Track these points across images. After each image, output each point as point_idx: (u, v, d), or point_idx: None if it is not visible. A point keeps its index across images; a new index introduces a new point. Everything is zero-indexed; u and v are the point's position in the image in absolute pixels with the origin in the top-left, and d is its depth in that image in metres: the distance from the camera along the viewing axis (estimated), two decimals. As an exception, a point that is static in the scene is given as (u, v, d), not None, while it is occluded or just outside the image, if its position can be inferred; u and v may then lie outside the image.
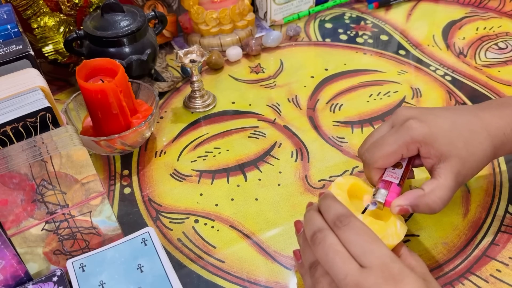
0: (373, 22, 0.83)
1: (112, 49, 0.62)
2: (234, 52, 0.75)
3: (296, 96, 0.69)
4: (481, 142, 0.45)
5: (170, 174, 0.58)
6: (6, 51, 0.46)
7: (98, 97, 0.54)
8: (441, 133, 0.44)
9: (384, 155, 0.45)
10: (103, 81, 0.56)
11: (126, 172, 0.59)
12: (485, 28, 0.80)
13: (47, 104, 0.42)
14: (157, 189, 0.57)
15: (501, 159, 0.57)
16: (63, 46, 0.66)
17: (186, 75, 0.73)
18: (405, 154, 0.45)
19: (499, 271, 0.47)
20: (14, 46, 0.47)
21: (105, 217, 0.46)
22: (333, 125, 0.64)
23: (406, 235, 0.50)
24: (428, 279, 0.37)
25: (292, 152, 0.60)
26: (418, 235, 0.50)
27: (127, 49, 0.63)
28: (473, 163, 0.44)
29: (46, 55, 0.68)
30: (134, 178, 0.58)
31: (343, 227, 0.37)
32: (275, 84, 0.71)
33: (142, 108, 0.61)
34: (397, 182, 0.45)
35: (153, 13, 0.66)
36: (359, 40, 0.79)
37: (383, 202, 0.44)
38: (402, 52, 0.76)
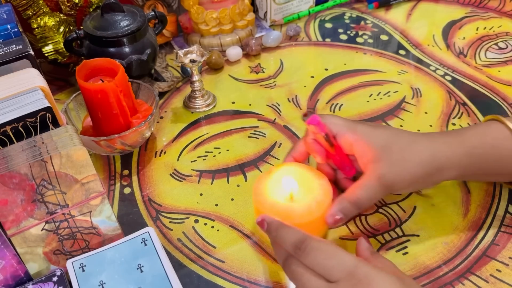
0: (373, 22, 0.83)
1: (112, 49, 0.62)
2: (234, 52, 0.75)
3: (296, 96, 0.69)
4: (420, 152, 0.45)
5: (170, 174, 0.58)
6: (6, 51, 0.46)
7: (98, 97, 0.54)
8: (380, 135, 0.46)
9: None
10: (103, 81, 0.56)
11: (126, 172, 0.59)
12: (485, 28, 0.80)
13: (47, 104, 0.42)
14: (157, 189, 0.57)
15: (501, 159, 0.57)
16: (63, 46, 0.66)
17: (186, 75, 0.73)
18: (341, 139, 0.48)
19: (499, 271, 0.47)
20: (14, 46, 0.47)
21: (105, 217, 0.46)
22: (333, 125, 0.64)
23: (406, 235, 0.50)
24: (400, 276, 0.37)
25: (292, 152, 0.60)
26: (418, 235, 0.50)
27: (127, 49, 0.63)
28: (404, 170, 0.45)
29: (46, 55, 0.68)
30: (134, 178, 0.58)
31: (302, 254, 0.38)
32: (275, 84, 0.71)
33: (142, 108, 0.61)
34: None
35: (153, 13, 0.66)
36: (359, 40, 0.79)
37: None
38: (402, 52, 0.76)
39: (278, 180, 0.48)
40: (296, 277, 0.38)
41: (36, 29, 0.66)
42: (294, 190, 0.47)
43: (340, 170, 0.50)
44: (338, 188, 0.51)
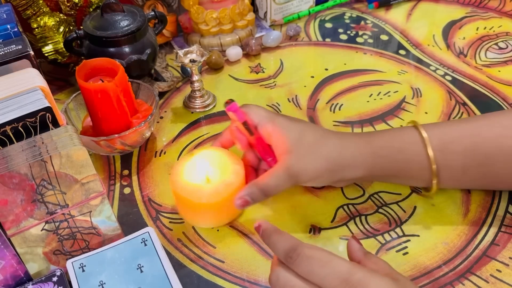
0: (373, 22, 0.83)
1: (112, 49, 0.62)
2: (234, 52, 0.75)
3: (296, 96, 0.69)
4: (328, 148, 0.48)
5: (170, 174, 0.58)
6: (6, 51, 0.46)
7: (98, 97, 0.54)
8: (294, 128, 0.48)
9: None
10: (103, 81, 0.56)
11: (126, 172, 0.59)
12: (485, 28, 0.80)
13: (47, 104, 0.42)
14: (157, 189, 0.57)
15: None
16: (63, 46, 0.66)
17: (186, 75, 0.73)
18: (261, 129, 0.50)
19: (499, 271, 0.47)
20: (14, 46, 0.47)
21: (105, 217, 0.46)
22: (333, 125, 0.64)
23: (406, 235, 0.50)
24: (396, 277, 0.36)
25: (292, 152, 0.60)
26: (418, 235, 0.50)
27: (127, 49, 0.63)
28: (310, 164, 0.47)
29: (46, 55, 0.68)
30: (134, 178, 0.58)
31: (294, 262, 0.37)
32: (275, 84, 0.71)
33: (142, 108, 0.61)
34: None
35: (153, 13, 0.66)
36: (359, 40, 0.79)
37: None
38: (402, 52, 0.76)
39: (195, 163, 0.51)
40: None
41: (36, 29, 0.66)
42: (208, 173, 0.50)
43: (263, 160, 0.52)
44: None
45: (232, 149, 0.53)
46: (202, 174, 0.50)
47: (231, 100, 0.49)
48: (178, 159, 0.60)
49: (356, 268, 0.35)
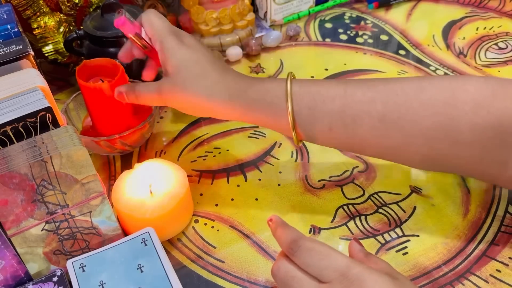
0: (373, 22, 0.83)
1: (112, 49, 0.62)
2: (234, 52, 0.75)
3: (296, 96, 0.69)
4: (202, 87, 0.48)
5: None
6: (6, 51, 0.46)
7: (98, 97, 0.54)
8: (179, 56, 0.49)
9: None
10: (103, 81, 0.56)
11: (126, 172, 0.59)
12: (485, 28, 0.80)
13: (47, 104, 0.42)
14: (157, 189, 0.57)
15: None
16: (63, 46, 0.66)
17: (186, 75, 0.73)
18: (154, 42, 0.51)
19: (499, 271, 0.47)
20: (14, 46, 0.47)
21: (105, 217, 0.46)
22: (333, 125, 0.64)
23: (406, 235, 0.50)
24: (395, 276, 0.36)
25: (292, 152, 0.60)
26: (418, 235, 0.50)
27: (127, 49, 0.62)
28: (181, 94, 0.49)
29: (46, 55, 0.68)
30: (134, 178, 0.58)
31: (295, 254, 0.38)
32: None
33: (142, 108, 0.61)
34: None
35: (153, 13, 0.66)
36: (359, 40, 0.79)
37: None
38: (402, 52, 0.76)
39: (138, 176, 0.51)
40: (285, 282, 0.38)
41: (36, 29, 0.66)
42: (152, 186, 0.50)
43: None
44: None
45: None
46: (145, 188, 0.50)
47: (121, 11, 0.49)
48: (178, 160, 0.60)
49: (355, 263, 0.36)
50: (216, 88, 0.48)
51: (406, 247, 0.49)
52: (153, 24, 0.50)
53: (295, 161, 0.59)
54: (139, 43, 0.51)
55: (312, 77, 0.72)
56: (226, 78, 0.49)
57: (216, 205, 0.55)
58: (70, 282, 0.43)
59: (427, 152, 0.44)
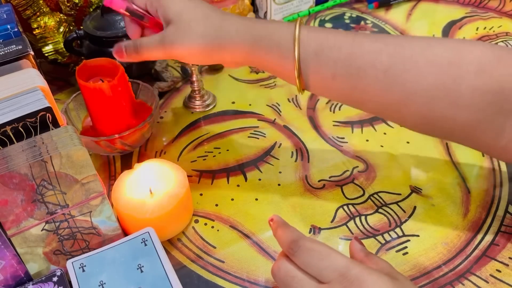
0: (373, 22, 0.83)
1: (112, 49, 0.62)
2: (234, 52, 0.75)
3: (296, 96, 0.69)
4: (206, 26, 0.47)
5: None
6: (6, 51, 0.46)
7: (98, 97, 0.54)
8: (178, 3, 0.48)
9: None
10: (103, 81, 0.56)
11: (126, 172, 0.59)
12: (485, 28, 0.80)
13: (47, 104, 0.42)
14: (157, 189, 0.57)
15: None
16: (63, 46, 0.66)
17: (186, 75, 0.73)
18: (149, 9, 0.50)
19: (499, 271, 0.47)
20: (14, 46, 0.47)
21: (105, 217, 0.46)
22: (333, 125, 0.64)
23: (406, 235, 0.50)
24: (395, 277, 0.36)
25: (292, 152, 0.60)
26: (418, 235, 0.50)
27: (127, 49, 0.62)
28: (185, 38, 0.47)
29: (46, 55, 0.68)
30: (134, 178, 0.58)
31: (295, 254, 0.38)
32: (275, 84, 0.71)
33: (142, 108, 0.61)
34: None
35: (153, 13, 0.66)
36: (359, 40, 0.79)
37: None
38: (402, 52, 0.76)
39: (137, 177, 0.50)
40: (285, 281, 0.38)
41: (36, 29, 0.66)
42: (152, 186, 0.50)
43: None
44: None
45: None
46: (145, 188, 0.50)
47: None
48: (178, 160, 0.60)
49: (354, 264, 0.36)
50: (223, 25, 0.48)
51: (406, 247, 0.49)
52: None
53: (295, 161, 0.59)
54: (134, 15, 0.51)
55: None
56: (230, 17, 0.49)
57: (216, 205, 0.55)
58: (70, 282, 0.43)
59: (426, 113, 0.44)
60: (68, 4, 0.68)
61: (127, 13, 0.50)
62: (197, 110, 0.67)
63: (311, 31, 0.46)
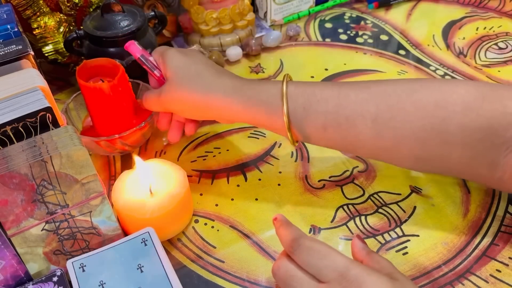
0: (373, 22, 0.83)
1: (112, 49, 0.62)
2: (234, 52, 0.75)
3: (296, 96, 0.68)
4: (198, 86, 0.50)
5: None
6: (6, 51, 0.46)
7: (98, 97, 0.54)
8: (177, 61, 0.52)
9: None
10: (103, 81, 0.56)
11: (126, 172, 0.59)
12: (485, 28, 0.80)
13: (47, 104, 0.42)
14: (157, 189, 0.57)
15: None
16: (63, 46, 0.66)
17: (186, 75, 0.73)
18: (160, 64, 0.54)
19: (499, 271, 0.47)
20: (14, 46, 0.47)
21: (105, 217, 0.46)
22: (333, 125, 0.64)
23: (406, 235, 0.50)
24: (395, 277, 0.36)
25: (292, 152, 0.60)
26: (418, 235, 0.50)
27: (127, 49, 0.63)
28: (178, 95, 0.51)
29: (46, 55, 0.68)
30: (134, 178, 0.58)
31: (295, 252, 0.38)
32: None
33: (143, 108, 0.60)
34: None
35: (153, 13, 0.66)
36: (359, 40, 0.79)
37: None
38: (402, 52, 0.76)
39: (137, 177, 0.51)
40: (285, 280, 0.38)
41: (36, 29, 0.66)
42: (152, 186, 0.50)
43: None
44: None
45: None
46: (145, 188, 0.50)
47: (130, 38, 0.54)
48: (178, 160, 0.60)
49: (354, 264, 0.36)
50: (212, 85, 0.50)
51: (406, 247, 0.49)
52: (158, 48, 0.55)
53: (295, 161, 0.59)
54: (146, 65, 0.55)
55: (312, 77, 0.72)
56: (222, 77, 0.51)
57: (216, 205, 0.55)
58: (70, 282, 0.43)
59: (418, 153, 0.45)
60: (68, 4, 0.68)
61: (141, 59, 0.55)
62: (197, 110, 0.67)
63: (298, 86, 0.48)
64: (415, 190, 0.55)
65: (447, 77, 0.70)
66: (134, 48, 0.55)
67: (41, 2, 0.65)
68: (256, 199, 0.55)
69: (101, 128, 0.57)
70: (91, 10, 0.69)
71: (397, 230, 0.51)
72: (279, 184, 0.56)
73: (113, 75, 0.55)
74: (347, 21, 0.84)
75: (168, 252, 0.50)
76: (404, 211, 0.53)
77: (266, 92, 0.48)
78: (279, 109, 0.47)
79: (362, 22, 0.83)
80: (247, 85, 0.50)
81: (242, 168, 0.59)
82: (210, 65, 0.52)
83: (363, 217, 0.52)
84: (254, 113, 0.49)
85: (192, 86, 0.50)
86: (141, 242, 0.45)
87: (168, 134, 0.57)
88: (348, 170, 0.57)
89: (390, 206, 0.53)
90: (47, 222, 0.43)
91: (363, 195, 0.55)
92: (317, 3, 0.86)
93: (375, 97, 0.45)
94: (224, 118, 0.52)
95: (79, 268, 0.44)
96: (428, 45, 0.77)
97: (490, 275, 0.46)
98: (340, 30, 0.81)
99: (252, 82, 0.50)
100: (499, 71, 0.71)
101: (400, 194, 0.54)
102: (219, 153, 0.61)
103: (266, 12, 0.82)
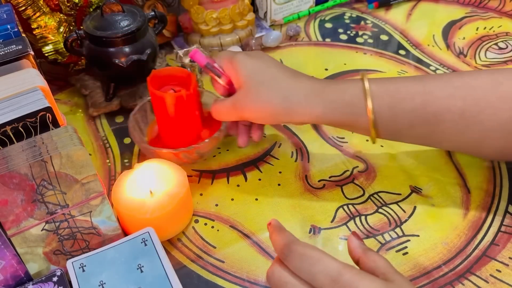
0: (373, 22, 0.83)
1: (112, 49, 0.62)
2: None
3: (296, 96, 0.68)
4: (275, 91, 0.49)
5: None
6: (6, 51, 0.46)
7: (176, 106, 0.53)
8: (249, 65, 0.50)
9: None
10: (174, 91, 0.55)
11: (126, 172, 0.59)
12: (485, 28, 0.80)
13: (47, 104, 0.42)
14: (157, 189, 0.57)
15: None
16: (63, 46, 0.66)
17: (186, 75, 0.73)
18: (226, 70, 0.53)
19: (499, 271, 0.47)
20: (14, 46, 0.47)
21: (105, 217, 0.46)
22: (333, 125, 0.64)
23: (406, 235, 0.50)
24: (390, 278, 0.36)
25: (292, 152, 0.60)
26: (418, 235, 0.50)
27: (127, 49, 0.62)
28: (255, 103, 0.49)
29: (46, 55, 0.68)
30: (134, 178, 0.58)
31: (287, 258, 0.38)
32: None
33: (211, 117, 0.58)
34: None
35: (153, 13, 0.66)
36: (359, 40, 0.79)
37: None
38: (402, 52, 0.76)
39: (137, 177, 0.50)
40: (280, 287, 0.38)
41: (36, 29, 0.66)
42: (152, 186, 0.50)
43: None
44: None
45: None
46: (145, 188, 0.49)
47: (194, 47, 0.52)
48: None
49: (346, 269, 0.35)
50: (291, 89, 0.49)
51: (406, 247, 0.49)
52: (221, 54, 0.54)
53: (295, 161, 0.59)
54: (212, 72, 0.53)
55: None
56: (299, 80, 0.50)
57: (216, 205, 0.55)
58: (70, 282, 0.43)
59: (503, 145, 0.46)
60: (68, 4, 0.68)
61: (207, 67, 0.53)
62: (197, 110, 0.67)
63: (380, 84, 0.48)
64: (415, 190, 0.55)
65: (447, 77, 0.70)
66: (199, 57, 0.53)
67: (41, 2, 0.65)
68: (256, 199, 0.55)
69: (173, 138, 0.56)
70: (91, 10, 0.69)
71: (397, 230, 0.51)
72: (279, 184, 0.56)
73: (182, 84, 0.54)
74: (347, 21, 0.84)
75: (168, 252, 0.50)
76: (404, 211, 0.53)
77: (349, 92, 0.48)
78: (363, 109, 0.47)
79: (362, 22, 0.83)
80: (327, 86, 0.49)
81: (242, 168, 0.59)
82: (284, 68, 0.51)
83: (363, 217, 0.52)
84: (338, 115, 0.48)
85: (271, 92, 0.49)
86: (141, 242, 0.45)
87: (239, 139, 0.56)
88: (348, 170, 0.57)
89: (390, 206, 0.53)
90: (47, 222, 0.43)
91: (363, 195, 0.55)
92: (317, 3, 0.86)
93: (460, 91, 0.46)
94: (302, 121, 0.51)
95: (79, 268, 0.44)
96: (428, 45, 0.77)
97: (490, 275, 0.46)
98: (340, 30, 0.81)
99: (330, 83, 0.50)
100: (499, 71, 0.71)
101: (400, 194, 0.54)
102: (219, 153, 0.61)
103: (266, 12, 0.82)
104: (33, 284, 0.43)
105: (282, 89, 0.49)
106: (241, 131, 0.56)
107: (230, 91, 0.54)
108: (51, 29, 0.66)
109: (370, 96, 0.47)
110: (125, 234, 0.49)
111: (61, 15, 0.68)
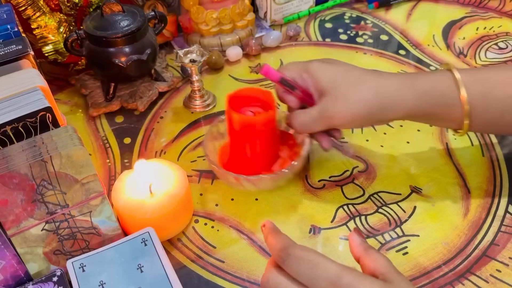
0: (373, 22, 0.83)
1: (112, 49, 0.62)
2: (234, 52, 0.75)
3: (296, 96, 0.69)
4: (365, 91, 0.48)
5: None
6: (6, 51, 0.46)
7: (260, 129, 0.50)
8: (329, 72, 0.49)
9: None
10: (252, 113, 0.52)
11: (126, 172, 0.59)
12: (485, 28, 0.80)
13: (47, 104, 0.42)
14: (157, 189, 0.57)
15: (501, 159, 0.57)
16: (63, 46, 0.66)
17: (186, 75, 0.73)
18: (299, 81, 0.51)
19: (499, 271, 0.47)
20: (14, 46, 0.47)
21: (105, 217, 0.46)
22: (333, 125, 0.64)
23: (406, 235, 0.50)
24: (389, 279, 0.35)
25: (292, 152, 0.60)
26: (418, 235, 0.50)
27: (127, 49, 0.63)
28: (346, 107, 0.48)
29: (46, 55, 0.68)
30: (134, 178, 0.58)
31: (285, 262, 0.37)
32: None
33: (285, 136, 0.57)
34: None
35: (153, 13, 0.66)
36: (359, 40, 0.79)
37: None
38: (402, 52, 0.76)
39: (137, 177, 0.50)
40: None
41: (36, 29, 0.66)
42: (151, 186, 0.49)
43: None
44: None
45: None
46: (145, 188, 0.49)
47: (264, 64, 0.50)
48: (178, 160, 0.60)
49: (345, 272, 0.35)
50: (380, 86, 0.48)
51: (406, 247, 0.49)
52: (291, 66, 0.52)
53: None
54: (287, 86, 0.51)
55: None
56: (386, 76, 0.49)
57: (216, 205, 0.55)
58: (70, 282, 0.43)
59: None
60: (68, 4, 0.68)
61: (281, 82, 0.51)
62: (197, 110, 0.67)
63: (469, 74, 0.47)
64: (415, 190, 0.55)
65: (447, 77, 0.70)
66: (272, 73, 0.51)
67: (41, 2, 0.65)
68: (256, 199, 0.55)
69: (251, 162, 0.53)
70: (91, 10, 0.69)
71: (397, 230, 0.51)
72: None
73: (258, 105, 0.52)
74: (347, 21, 0.84)
75: (168, 252, 0.50)
76: (404, 211, 0.53)
77: (441, 83, 0.47)
78: (457, 100, 0.47)
79: (362, 22, 0.83)
80: (417, 79, 0.48)
81: (242, 168, 0.59)
82: (363, 68, 0.50)
83: (363, 217, 0.52)
84: (431, 106, 0.48)
85: (361, 92, 0.48)
86: (141, 242, 0.45)
87: (322, 143, 0.53)
88: (348, 170, 0.57)
89: (390, 206, 0.53)
90: (47, 222, 0.43)
91: (363, 195, 0.55)
92: (317, 3, 0.86)
93: None
94: (393, 118, 0.50)
95: (79, 268, 0.44)
96: (428, 45, 0.77)
97: (490, 275, 0.46)
98: (340, 30, 0.81)
99: (419, 75, 0.49)
100: (499, 71, 0.71)
101: (400, 194, 0.54)
102: (219, 153, 0.61)
103: (266, 12, 0.82)
104: (33, 284, 0.43)
105: (371, 87, 0.48)
106: (321, 135, 0.53)
107: (305, 102, 0.52)
108: (51, 29, 0.66)
109: (464, 88, 0.46)
110: (125, 234, 0.49)
111: (61, 15, 0.68)
